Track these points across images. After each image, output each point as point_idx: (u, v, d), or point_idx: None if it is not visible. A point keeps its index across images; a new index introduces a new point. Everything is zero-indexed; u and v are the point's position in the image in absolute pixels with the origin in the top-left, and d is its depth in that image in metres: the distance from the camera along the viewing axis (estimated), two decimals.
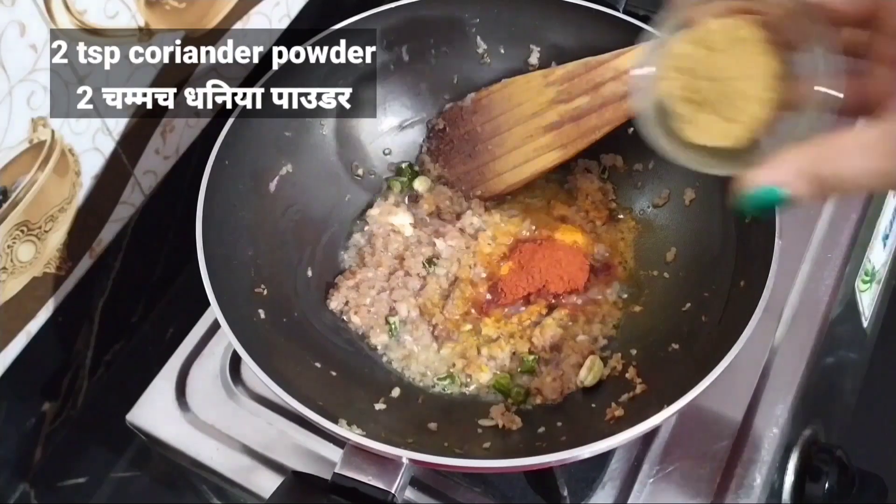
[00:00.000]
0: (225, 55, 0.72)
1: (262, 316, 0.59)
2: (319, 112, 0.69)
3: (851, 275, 0.73)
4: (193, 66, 0.70)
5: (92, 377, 0.71)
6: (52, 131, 0.58)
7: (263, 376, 0.51)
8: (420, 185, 0.72)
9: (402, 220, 0.70)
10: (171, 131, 0.70)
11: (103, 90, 0.61)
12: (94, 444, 0.73)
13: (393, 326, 0.65)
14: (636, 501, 0.59)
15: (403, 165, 0.73)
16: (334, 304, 0.65)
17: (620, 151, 0.70)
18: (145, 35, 0.63)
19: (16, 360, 0.62)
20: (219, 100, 0.73)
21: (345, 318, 0.65)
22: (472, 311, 0.65)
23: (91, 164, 0.63)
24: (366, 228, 0.70)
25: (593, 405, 0.58)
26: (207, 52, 0.70)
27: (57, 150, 0.59)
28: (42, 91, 0.56)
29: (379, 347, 0.64)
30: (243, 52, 0.74)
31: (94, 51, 0.59)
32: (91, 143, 0.62)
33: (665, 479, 0.60)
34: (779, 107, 0.42)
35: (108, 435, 0.71)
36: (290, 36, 0.79)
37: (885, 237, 0.84)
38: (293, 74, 0.66)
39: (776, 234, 0.55)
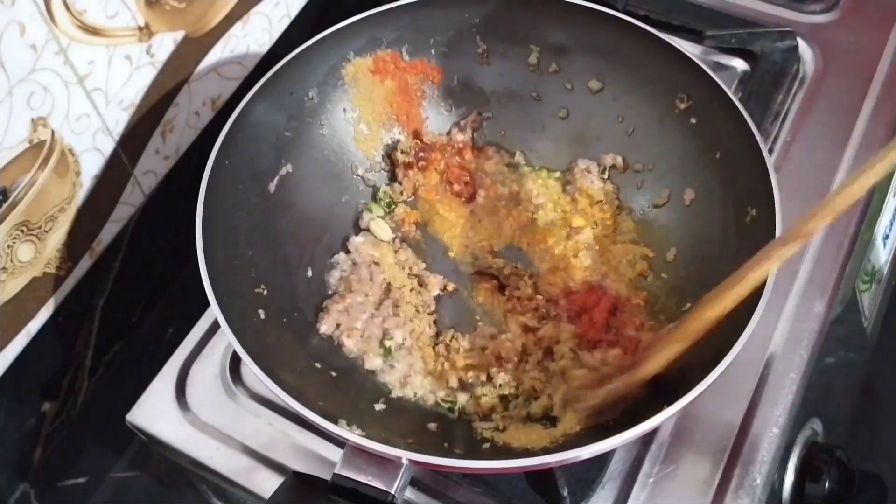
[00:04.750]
0: (225, 55, 0.72)
1: (262, 316, 0.59)
2: (319, 112, 0.69)
3: (851, 275, 0.73)
4: (193, 65, 0.70)
5: (92, 377, 0.71)
6: (52, 131, 0.58)
7: (263, 376, 0.51)
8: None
9: (385, 253, 0.68)
10: (171, 131, 0.70)
11: (103, 90, 0.61)
12: (94, 444, 0.73)
13: (387, 349, 0.63)
14: (636, 501, 0.59)
15: (380, 192, 0.72)
16: (325, 327, 0.64)
17: (620, 151, 0.70)
18: (145, 35, 0.63)
19: (16, 360, 0.62)
20: (219, 100, 0.73)
21: (337, 341, 0.63)
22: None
23: (91, 164, 0.63)
24: (350, 255, 0.68)
25: None
26: (207, 52, 0.71)
27: (57, 150, 0.59)
28: (42, 91, 0.56)
29: (373, 369, 0.63)
30: (243, 51, 0.74)
31: (94, 51, 0.59)
32: (91, 143, 0.62)
33: (665, 479, 0.60)
34: None
35: (108, 435, 0.71)
36: (290, 36, 0.79)
37: (885, 237, 0.84)
38: (293, 74, 0.66)
39: (776, 234, 0.55)
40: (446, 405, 0.61)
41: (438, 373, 0.63)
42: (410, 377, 0.62)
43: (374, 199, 0.72)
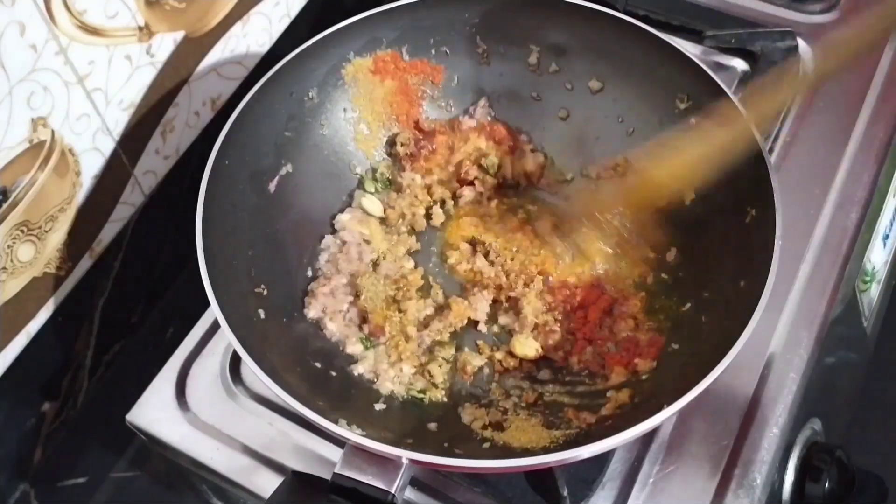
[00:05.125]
0: (225, 55, 0.72)
1: (262, 316, 0.59)
2: (319, 112, 0.69)
3: (851, 275, 0.73)
4: (194, 65, 0.70)
5: (92, 377, 0.71)
6: (52, 131, 0.58)
7: (263, 376, 0.51)
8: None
9: (375, 229, 0.68)
10: (171, 131, 0.70)
11: (103, 90, 0.61)
12: (94, 444, 0.73)
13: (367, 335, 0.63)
14: (636, 501, 0.59)
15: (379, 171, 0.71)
16: (312, 312, 0.63)
17: (620, 151, 0.70)
18: (145, 35, 0.63)
19: (16, 360, 0.62)
20: (219, 100, 0.73)
21: (320, 326, 0.63)
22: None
23: (91, 164, 0.63)
24: (337, 234, 0.68)
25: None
26: (207, 52, 0.71)
27: (57, 150, 0.59)
28: (42, 91, 0.56)
29: (353, 354, 0.62)
30: (243, 51, 0.74)
31: (94, 51, 0.59)
32: (91, 143, 0.62)
33: (665, 479, 0.60)
34: None
35: (108, 435, 0.71)
36: (290, 36, 0.79)
37: (885, 237, 0.84)
38: (293, 74, 0.66)
39: (776, 234, 0.55)
40: (421, 395, 0.61)
41: (405, 353, 0.62)
42: (384, 367, 0.61)
43: (373, 177, 0.71)
